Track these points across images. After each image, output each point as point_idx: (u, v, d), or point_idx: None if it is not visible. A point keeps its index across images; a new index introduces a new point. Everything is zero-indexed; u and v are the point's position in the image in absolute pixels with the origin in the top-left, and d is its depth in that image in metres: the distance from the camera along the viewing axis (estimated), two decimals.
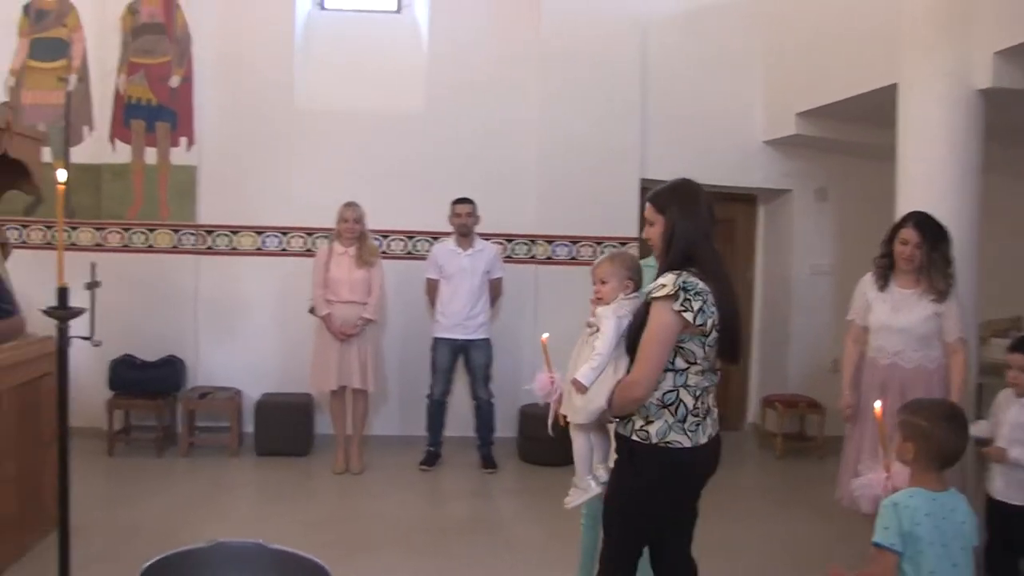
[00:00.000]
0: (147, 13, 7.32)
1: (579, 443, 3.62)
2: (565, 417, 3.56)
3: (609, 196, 7.58)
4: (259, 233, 7.58)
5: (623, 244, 7.51)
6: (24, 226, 7.44)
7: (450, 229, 6.97)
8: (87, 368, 7.15)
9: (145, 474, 6.57)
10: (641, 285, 3.50)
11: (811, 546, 5.37)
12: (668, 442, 3.10)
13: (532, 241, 7.67)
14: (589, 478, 3.61)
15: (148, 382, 7.16)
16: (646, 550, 3.43)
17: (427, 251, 7.30)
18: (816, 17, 7.00)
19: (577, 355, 3.45)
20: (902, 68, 5.31)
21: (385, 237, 7.54)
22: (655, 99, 7.71)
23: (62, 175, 1.93)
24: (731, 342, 3.21)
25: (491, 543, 4.91)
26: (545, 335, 3.81)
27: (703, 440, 3.15)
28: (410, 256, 7.58)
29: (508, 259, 7.47)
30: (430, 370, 6.99)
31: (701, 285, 3.09)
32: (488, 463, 6.97)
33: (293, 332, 7.34)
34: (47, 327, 6.54)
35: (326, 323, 6.63)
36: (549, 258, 7.68)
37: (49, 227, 7.42)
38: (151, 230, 7.43)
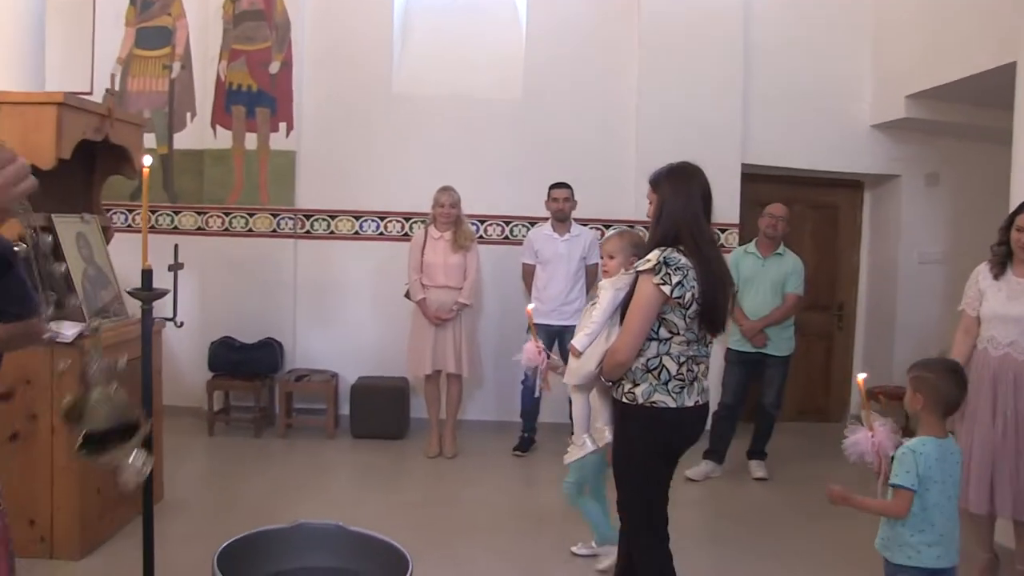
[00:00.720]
0: (248, 0, 7.40)
1: (578, 404, 4.00)
2: (547, 388, 4.20)
3: (710, 181, 7.38)
4: (357, 218, 7.62)
5: (723, 230, 7.36)
6: (130, 211, 7.62)
7: (547, 214, 6.90)
8: (189, 350, 7.33)
9: (243, 454, 6.67)
10: None
11: None
12: (653, 402, 3.35)
13: (631, 226, 7.54)
14: (585, 436, 4.01)
15: (246, 364, 7.26)
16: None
17: (524, 236, 7.24)
18: None
19: (580, 324, 3.81)
20: (1021, 46, 5.04)
21: (482, 222, 7.51)
22: (758, 81, 7.51)
23: (147, 160, 1.93)
24: (712, 315, 3.37)
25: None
26: (531, 306, 4.23)
27: (689, 403, 3.38)
28: (507, 241, 7.54)
29: None
30: None
31: (683, 261, 3.29)
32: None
33: (390, 316, 7.36)
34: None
35: (421, 308, 6.63)
36: None
37: (153, 212, 7.57)
38: (251, 214, 7.53)
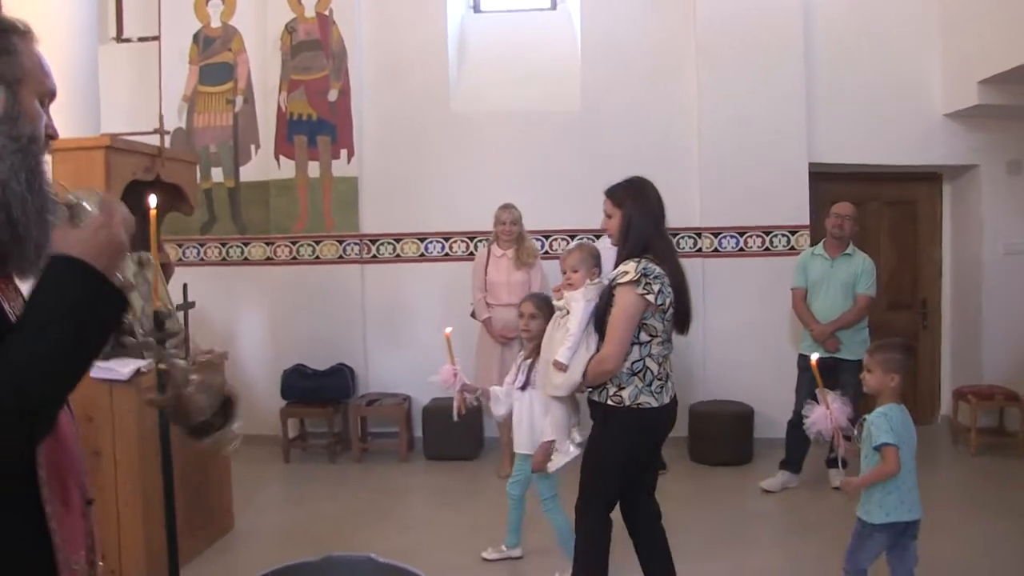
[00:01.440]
0: (304, 31, 7.50)
1: (559, 414, 4.24)
2: (462, 409, 4.50)
3: (776, 183, 7.22)
4: (421, 239, 7.64)
5: (792, 233, 7.19)
6: (201, 244, 7.76)
7: None
8: (263, 379, 7.43)
9: (318, 480, 6.71)
10: (601, 272, 4.04)
11: (1012, 553, 4.91)
12: (639, 404, 3.65)
13: (697, 234, 7.40)
14: (568, 443, 4.26)
15: (319, 390, 7.31)
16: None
17: None
18: None
19: (550, 336, 3.98)
20: None
21: (547, 237, 7.45)
22: (822, 77, 7.30)
23: (152, 201, 1.92)
24: (682, 316, 3.77)
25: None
26: (448, 329, 4.43)
27: (667, 400, 3.74)
28: None
29: None
30: None
31: (658, 270, 3.64)
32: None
33: (459, 336, 7.32)
34: (221, 342, 6.82)
35: (486, 327, 6.59)
36: (716, 251, 7.39)
37: (224, 244, 7.71)
38: (317, 242, 7.60)
